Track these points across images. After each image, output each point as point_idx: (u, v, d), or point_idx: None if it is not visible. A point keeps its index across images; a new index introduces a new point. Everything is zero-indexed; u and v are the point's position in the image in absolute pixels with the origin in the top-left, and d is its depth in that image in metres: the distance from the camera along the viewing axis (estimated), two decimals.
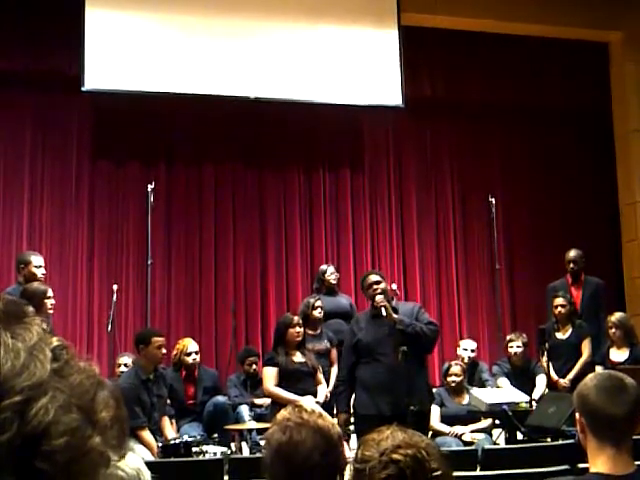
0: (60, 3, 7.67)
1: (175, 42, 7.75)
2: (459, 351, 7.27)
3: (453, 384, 6.40)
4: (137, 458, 1.48)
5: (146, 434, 5.32)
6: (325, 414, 1.84)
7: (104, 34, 7.57)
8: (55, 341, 0.64)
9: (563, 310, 6.88)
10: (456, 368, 6.47)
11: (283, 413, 1.83)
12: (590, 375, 2.16)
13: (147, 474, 1.38)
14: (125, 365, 6.26)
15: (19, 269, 6.10)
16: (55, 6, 7.68)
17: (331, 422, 1.82)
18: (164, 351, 5.68)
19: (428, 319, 5.25)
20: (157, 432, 5.53)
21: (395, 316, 5.03)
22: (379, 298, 5.07)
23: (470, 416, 6.22)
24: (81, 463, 0.59)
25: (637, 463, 2.05)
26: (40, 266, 6.09)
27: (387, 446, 1.53)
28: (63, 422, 0.59)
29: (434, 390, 6.91)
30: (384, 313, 4.98)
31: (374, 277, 5.26)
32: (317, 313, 6.53)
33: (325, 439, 1.75)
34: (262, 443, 5.97)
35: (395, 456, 1.51)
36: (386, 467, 1.51)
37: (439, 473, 1.51)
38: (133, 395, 5.34)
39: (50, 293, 5.63)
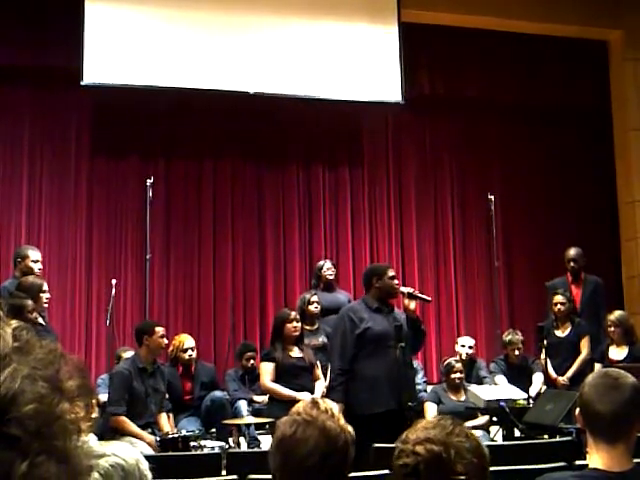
0: None
1: (174, 37, 7.74)
2: (457, 348, 7.28)
3: (458, 380, 6.41)
4: (136, 450, 1.49)
5: (123, 421, 5.28)
6: (340, 416, 1.80)
7: (103, 28, 7.55)
8: (14, 323, 0.66)
9: (562, 308, 6.88)
10: (459, 364, 6.49)
11: (298, 406, 1.82)
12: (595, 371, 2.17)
13: (145, 464, 1.39)
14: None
15: (16, 263, 6.10)
16: (54, 0, 7.66)
17: (342, 425, 1.77)
18: (166, 341, 5.78)
19: None
20: (154, 426, 5.53)
21: (429, 298, 5.42)
22: (411, 289, 5.18)
23: (467, 413, 6.22)
24: (53, 428, 0.62)
25: (636, 460, 2.05)
26: (37, 261, 6.09)
27: (420, 436, 1.52)
28: (30, 390, 0.62)
29: (432, 387, 6.95)
30: (412, 306, 5.07)
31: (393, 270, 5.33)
32: (313, 308, 6.54)
33: (329, 442, 1.71)
34: (260, 438, 6.00)
35: (418, 448, 1.50)
36: (406, 456, 1.51)
37: (462, 478, 1.48)
38: (124, 379, 5.36)
39: (46, 287, 5.64)
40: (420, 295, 5.22)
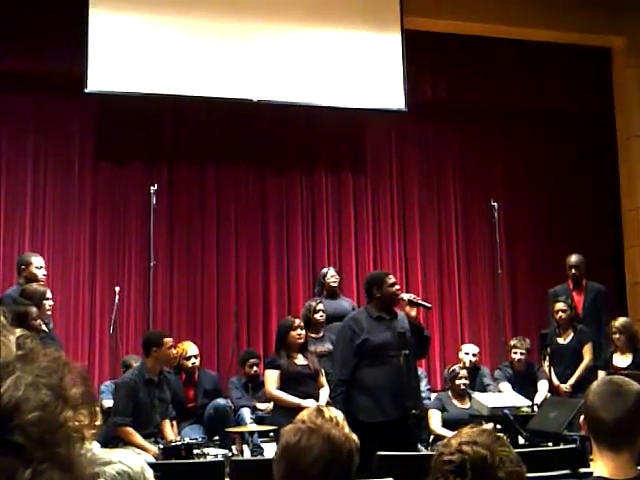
0: (64, 5, 7.68)
1: (178, 44, 7.76)
2: (461, 355, 7.27)
3: (463, 387, 6.40)
4: (140, 458, 1.50)
5: (128, 432, 5.27)
6: (344, 424, 1.80)
7: (107, 36, 7.58)
8: (19, 331, 0.66)
9: (564, 315, 6.88)
10: (464, 371, 6.48)
11: (303, 414, 1.81)
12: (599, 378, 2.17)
13: (150, 472, 1.40)
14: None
15: (20, 270, 6.10)
16: (59, 8, 7.69)
17: (346, 434, 1.77)
18: (174, 351, 5.75)
19: None
20: (158, 434, 5.52)
21: (429, 305, 5.35)
22: (412, 296, 5.14)
23: (472, 420, 6.20)
24: (56, 435, 0.62)
25: None
26: (41, 267, 6.10)
27: (467, 438, 1.55)
28: (34, 398, 0.62)
29: (436, 394, 6.94)
30: (413, 313, 5.08)
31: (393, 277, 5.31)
32: (319, 317, 6.53)
33: (334, 450, 1.71)
34: (263, 446, 5.99)
35: (466, 448, 1.53)
36: (453, 454, 1.53)
37: None
38: (130, 390, 5.35)
39: (49, 295, 5.64)
40: (421, 302, 5.20)
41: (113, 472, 1.31)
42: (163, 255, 7.95)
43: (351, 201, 8.71)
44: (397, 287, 5.21)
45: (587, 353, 6.84)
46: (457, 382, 6.41)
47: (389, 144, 8.95)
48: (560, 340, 6.89)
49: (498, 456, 1.53)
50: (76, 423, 0.64)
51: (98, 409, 0.69)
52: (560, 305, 6.91)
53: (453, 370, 6.53)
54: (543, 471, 3.65)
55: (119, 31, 7.63)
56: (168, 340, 5.69)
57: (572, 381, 6.71)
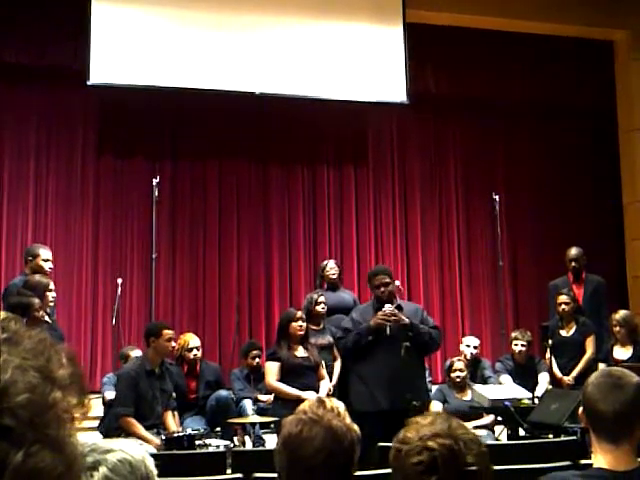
0: None
1: (180, 37, 7.76)
2: (462, 347, 7.28)
3: (458, 379, 6.41)
4: (142, 447, 1.50)
5: (130, 422, 5.29)
6: (346, 414, 1.81)
7: (110, 28, 7.58)
8: (2, 314, 0.67)
9: (567, 308, 6.88)
10: (460, 363, 6.49)
11: (304, 404, 1.82)
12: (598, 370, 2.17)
13: (151, 461, 1.41)
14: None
15: (27, 261, 6.11)
16: (61, 0, 7.69)
17: (348, 424, 1.77)
18: (173, 344, 5.74)
19: (433, 323, 5.53)
20: (160, 426, 5.54)
21: (406, 320, 5.19)
22: (388, 311, 5.13)
23: (472, 412, 6.22)
24: (46, 417, 0.62)
25: None
26: (48, 260, 6.11)
27: (426, 432, 1.53)
28: (22, 381, 0.62)
29: (437, 387, 6.95)
30: (388, 331, 5.07)
31: (384, 278, 5.34)
32: (320, 309, 6.53)
33: (335, 440, 1.71)
34: (265, 437, 6.00)
35: (431, 443, 1.51)
36: (420, 453, 1.51)
37: (474, 469, 1.50)
38: (131, 380, 5.36)
39: (52, 286, 5.65)
40: (396, 317, 5.18)
41: (114, 460, 1.32)
42: (165, 247, 7.96)
43: (353, 193, 8.72)
44: (382, 289, 5.28)
45: (590, 345, 6.84)
46: (452, 375, 6.44)
47: (391, 136, 8.96)
48: (563, 332, 6.90)
49: (462, 441, 1.52)
50: (65, 404, 0.64)
51: (87, 388, 0.70)
52: (563, 298, 6.91)
53: (451, 362, 6.57)
54: (543, 463, 3.66)
55: (121, 23, 7.63)
56: (167, 332, 5.63)
57: (575, 373, 6.71)
